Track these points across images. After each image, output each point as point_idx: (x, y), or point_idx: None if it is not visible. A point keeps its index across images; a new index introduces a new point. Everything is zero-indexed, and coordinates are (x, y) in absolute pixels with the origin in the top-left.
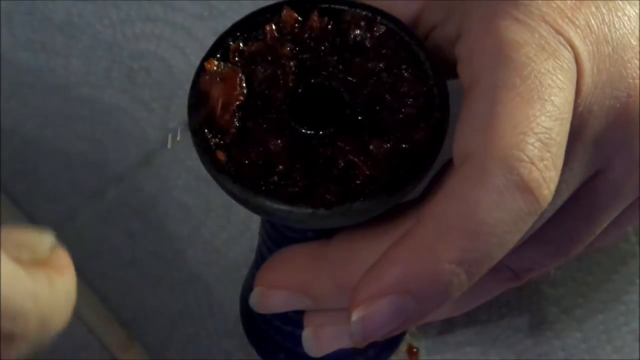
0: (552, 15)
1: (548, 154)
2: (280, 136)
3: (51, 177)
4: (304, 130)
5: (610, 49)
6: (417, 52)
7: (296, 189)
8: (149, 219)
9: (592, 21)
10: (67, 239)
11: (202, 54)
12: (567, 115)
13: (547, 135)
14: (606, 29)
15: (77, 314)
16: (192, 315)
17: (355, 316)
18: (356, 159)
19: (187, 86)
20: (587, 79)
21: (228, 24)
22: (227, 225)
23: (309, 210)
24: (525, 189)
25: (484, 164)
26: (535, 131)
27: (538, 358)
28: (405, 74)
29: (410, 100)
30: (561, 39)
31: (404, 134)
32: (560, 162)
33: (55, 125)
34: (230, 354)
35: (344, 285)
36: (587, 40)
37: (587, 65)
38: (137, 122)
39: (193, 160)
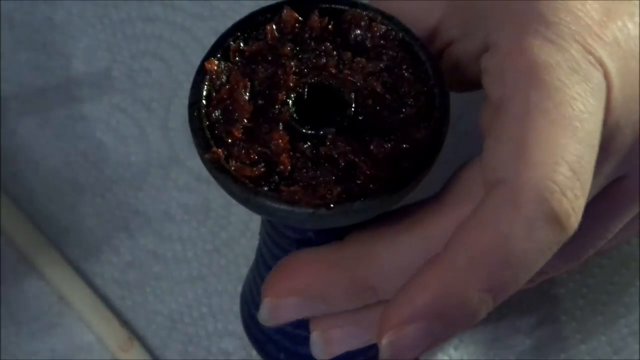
0: (582, 34)
1: (578, 183)
2: (281, 136)
3: (51, 177)
4: (304, 130)
5: (636, 63)
6: (418, 52)
7: (297, 189)
8: (149, 219)
9: (620, 37)
10: (67, 238)
11: (203, 54)
12: (597, 140)
13: (578, 164)
14: (632, 44)
15: (77, 314)
16: (192, 315)
17: (385, 340)
18: (357, 159)
19: (188, 86)
20: (617, 95)
21: (229, 23)
22: (227, 226)
23: (310, 210)
24: (556, 220)
25: (517, 193)
26: (566, 159)
27: (538, 359)
28: (406, 74)
29: (411, 100)
30: (591, 58)
31: (405, 134)
32: (588, 187)
33: (55, 125)
34: (230, 354)
35: (362, 287)
36: (615, 56)
37: (615, 81)
38: (137, 122)
39: (193, 160)
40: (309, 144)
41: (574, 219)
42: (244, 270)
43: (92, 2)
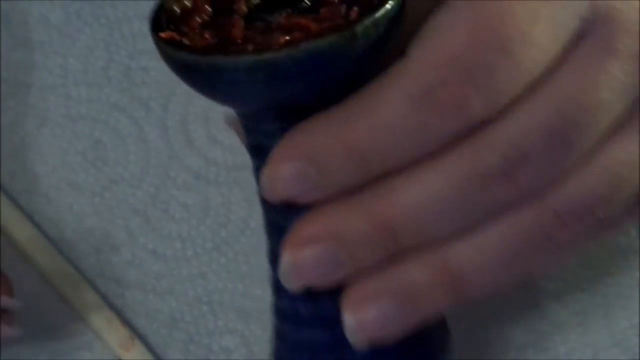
0: None
1: None
2: (236, 20)
3: (50, 176)
4: (261, 15)
5: None
6: None
7: (248, 50)
8: (148, 217)
9: None
10: (67, 238)
11: None
12: None
13: None
14: None
15: (78, 314)
16: (192, 313)
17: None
18: (309, 23)
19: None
20: None
21: None
22: (227, 224)
23: (256, 57)
24: None
25: None
26: None
27: (539, 353)
28: None
29: None
30: None
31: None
32: None
33: (54, 124)
34: (231, 352)
35: (352, 147)
36: None
37: None
38: (135, 121)
39: (192, 158)
40: (263, 23)
41: None
42: (244, 268)
43: (89, 2)
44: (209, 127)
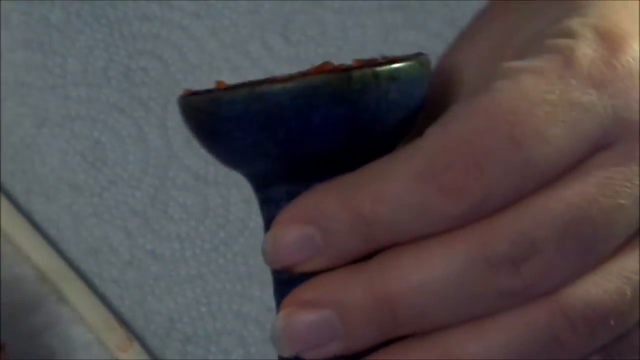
0: None
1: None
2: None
3: (49, 176)
4: None
5: None
6: None
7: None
8: (147, 218)
9: None
10: (66, 238)
11: (200, 52)
12: None
13: None
14: None
15: (76, 314)
16: (190, 314)
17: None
18: (316, 69)
19: (185, 85)
20: None
21: (226, 22)
22: (226, 224)
23: (252, 89)
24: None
25: None
26: None
27: None
28: None
29: None
30: None
31: None
32: None
33: (53, 124)
34: (229, 354)
35: (358, 214)
36: None
37: None
38: (135, 121)
39: (192, 159)
40: None
41: None
42: (243, 269)
43: (89, 2)
44: None
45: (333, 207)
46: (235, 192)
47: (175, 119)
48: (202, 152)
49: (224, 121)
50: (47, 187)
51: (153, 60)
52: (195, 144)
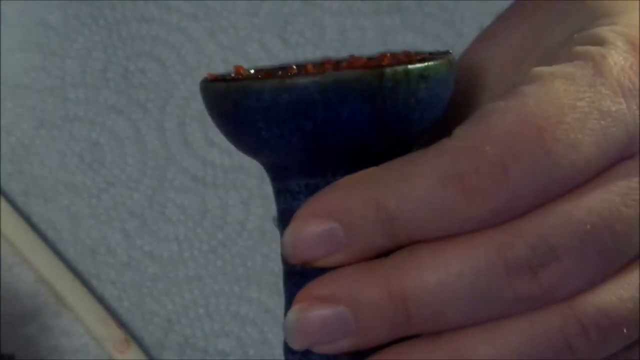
0: None
1: None
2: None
3: (47, 177)
4: None
5: None
6: None
7: (276, 76)
8: (145, 219)
9: None
10: (64, 239)
11: (198, 54)
12: None
13: None
14: None
15: (74, 315)
16: (188, 316)
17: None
18: (344, 64)
19: (183, 86)
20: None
21: (224, 24)
22: (224, 226)
23: (281, 80)
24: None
25: None
26: None
27: None
28: None
29: None
30: None
31: None
32: None
33: (52, 126)
34: (227, 355)
35: (381, 209)
36: None
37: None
38: (133, 123)
39: (189, 160)
40: None
41: None
42: (241, 271)
43: (87, 3)
44: (207, 129)
45: (358, 203)
46: (233, 193)
47: (173, 121)
48: (200, 153)
49: (250, 111)
50: (45, 188)
51: (151, 62)
52: (194, 146)
